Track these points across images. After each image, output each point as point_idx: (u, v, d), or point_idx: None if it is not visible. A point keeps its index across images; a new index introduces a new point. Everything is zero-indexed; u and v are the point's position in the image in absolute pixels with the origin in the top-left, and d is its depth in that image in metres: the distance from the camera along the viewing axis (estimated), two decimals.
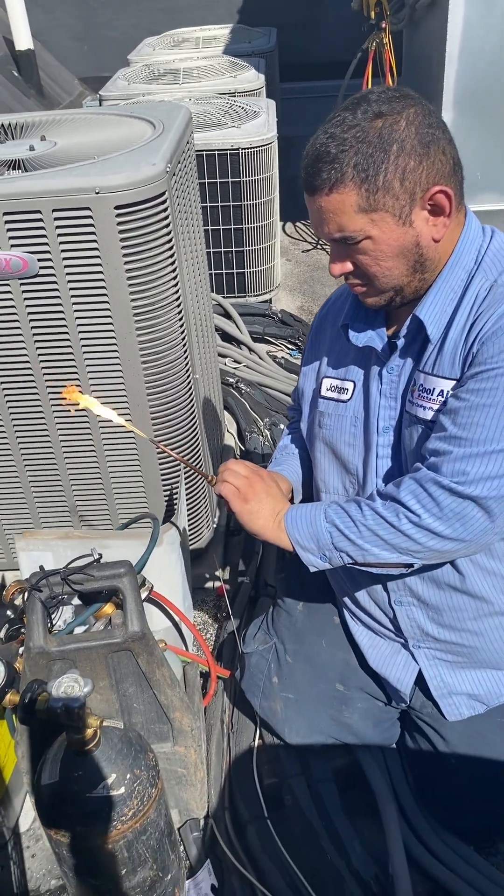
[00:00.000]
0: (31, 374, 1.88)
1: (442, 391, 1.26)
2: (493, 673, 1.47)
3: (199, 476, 1.43)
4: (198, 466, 1.43)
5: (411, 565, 1.33)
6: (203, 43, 5.46)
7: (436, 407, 1.27)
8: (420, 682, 1.51)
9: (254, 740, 1.76)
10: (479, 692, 1.47)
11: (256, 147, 3.31)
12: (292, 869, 1.52)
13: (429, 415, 1.29)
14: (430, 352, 1.29)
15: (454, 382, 1.25)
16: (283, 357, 3.35)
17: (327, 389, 1.49)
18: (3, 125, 2.18)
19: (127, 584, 1.34)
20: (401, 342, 1.34)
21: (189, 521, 2.16)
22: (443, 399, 1.26)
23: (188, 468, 1.44)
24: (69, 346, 1.83)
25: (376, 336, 1.39)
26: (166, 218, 1.75)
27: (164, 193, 1.72)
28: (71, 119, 2.24)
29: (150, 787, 1.29)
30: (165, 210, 1.74)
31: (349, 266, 1.27)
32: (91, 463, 2.03)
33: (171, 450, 1.69)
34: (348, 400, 1.44)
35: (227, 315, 3.44)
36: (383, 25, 3.78)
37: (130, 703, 1.44)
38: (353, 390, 1.44)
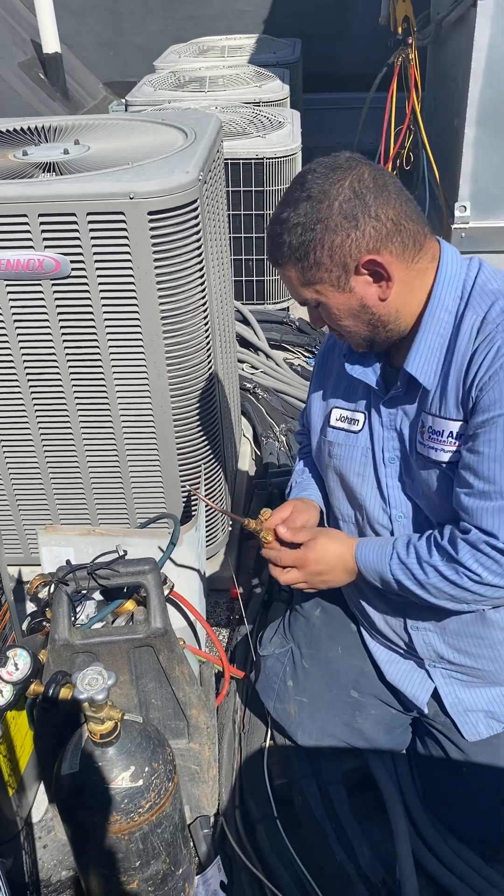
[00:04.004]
0: (59, 373, 1.91)
1: (451, 432, 1.30)
2: None
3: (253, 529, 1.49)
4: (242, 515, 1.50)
5: None
6: (228, 52, 5.51)
7: (447, 448, 1.31)
8: (436, 696, 1.53)
9: (265, 741, 1.78)
10: (495, 709, 1.50)
11: (280, 157, 3.35)
12: (300, 869, 1.54)
13: (443, 457, 1.32)
14: (433, 395, 1.32)
15: (461, 423, 1.29)
16: (299, 365, 3.38)
17: (337, 420, 1.52)
18: (36, 128, 2.22)
19: (151, 581, 1.37)
20: (398, 391, 1.38)
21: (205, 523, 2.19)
22: (453, 440, 1.30)
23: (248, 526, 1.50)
24: (97, 347, 1.86)
25: (370, 371, 1.43)
26: (197, 225, 1.78)
27: (195, 201, 1.76)
28: (103, 124, 2.28)
29: (167, 781, 1.32)
30: (196, 217, 1.77)
31: (322, 322, 1.37)
32: (112, 462, 2.06)
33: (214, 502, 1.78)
34: (359, 431, 1.48)
35: (246, 321, 3.48)
36: (410, 41, 3.82)
37: (149, 698, 1.47)
38: (364, 422, 1.48)
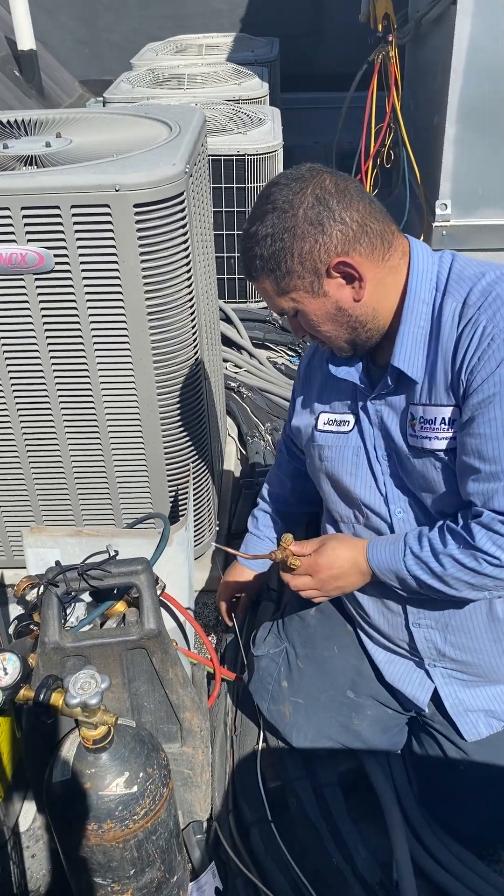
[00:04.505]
0: (42, 370, 1.87)
1: (444, 418, 1.31)
2: None
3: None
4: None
5: None
6: (206, 50, 5.48)
7: (442, 435, 1.31)
8: (435, 697, 1.51)
9: (257, 743, 1.75)
10: (495, 707, 1.48)
11: (262, 154, 3.32)
12: (296, 872, 1.51)
13: (438, 445, 1.32)
14: (421, 386, 1.33)
15: (453, 408, 1.29)
16: (283, 363, 3.36)
17: (325, 423, 1.53)
18: (17, 121, 2.17)
19: (144, 582, 1.34)
20: (387, 388, 1.38)
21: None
22: (447, 426, 1.31)
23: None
24: (81, 344, 1.82)
25: (353, 371, 1.44)
26: (184, 218, 1.75)
27: (182, 193, 1.72)
28: (85, 118, 2.24)
29: (161, 787, 1.29)
30: (183, 210, 1.74)
31: (302, 331, 1.39)
32: (97, 461, 2.02)
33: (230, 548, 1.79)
34: (349, 431, 1.48)
35: (229, 320, 3.44)
36: (390, 39, 3.82)
37: (141, 701, 1.43)
38: (353, 422, 1.48)
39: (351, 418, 1.48)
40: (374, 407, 1.43)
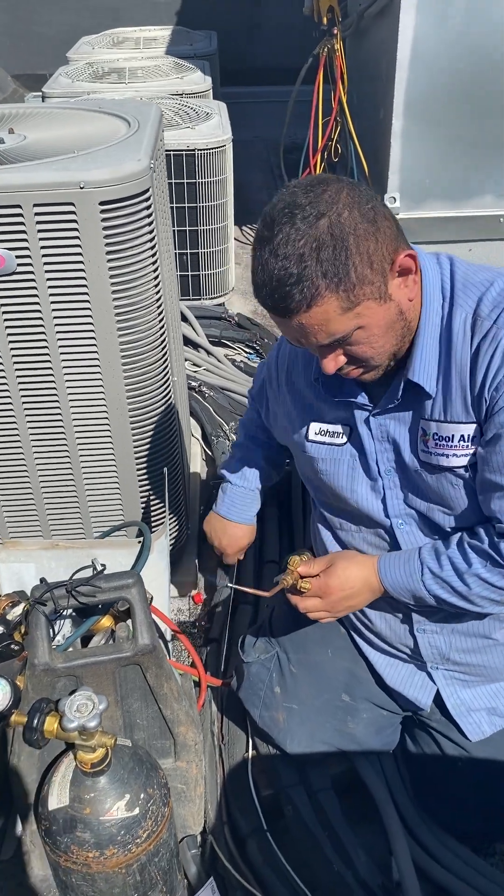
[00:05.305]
0: (4, 376, 1.79)
1: (463, 436, 1.25)
2: None
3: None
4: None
5: None
6: (144, 43, 5.38)
7: (460, 453, 1.26)
8: (435, 695, 1.50)
9: (247, 751, 1.71)
10: (496, 704, 1.47)
11: (213, 148, 3.27)
12: (296, 882, 1.48)
13: (456, 462, 1.27)
14: (434, 401, 1.27)
15: (474, 426, 1.24)
16: (241, 361, 3.32)
17: (316, 434, 1.44)
18: None
19: (136, 596, 1.28)
20: (393, 403, 1.31)
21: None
22: (466, 443, 1.25)
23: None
24: (46, 348, 1.75)
25: (354, 388, 1.35)
26: (150, 215, 1.70)
27: (148, 190, 1.67)
28: (36, 112, 2.15)
29: (163, 807, 1.24)
30: (150, 207, 1.69)
31: (343, 359, 1.22)
32: (65, 469, 1.95)
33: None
34: (343, 444, 1.42)
35: (184, 318, 3.39)
36: (335, 31, 3.80)
37: (134, 718, 1.38)
38: (347, 435, 1.41)
39: (342, 430, 1.41)
40: (377, 421, 1.35)
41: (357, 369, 1.25)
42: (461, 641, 1.44)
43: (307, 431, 1.45)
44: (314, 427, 1.44)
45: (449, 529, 1.35)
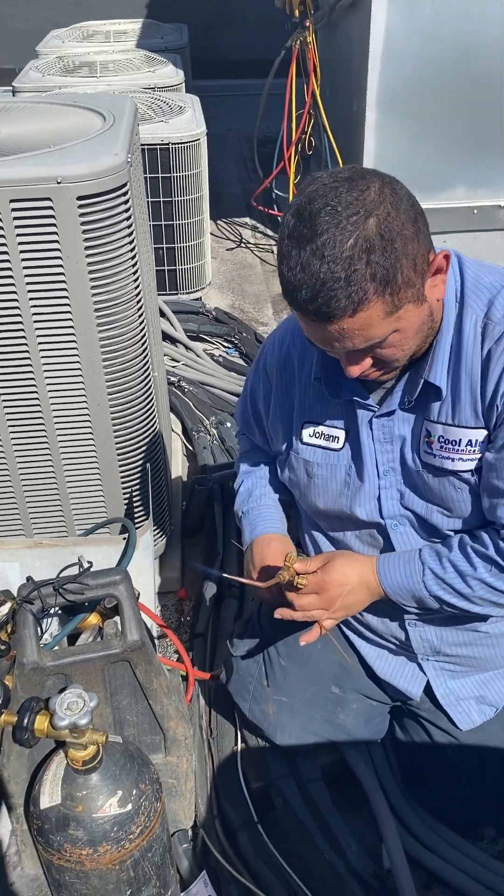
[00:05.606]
0: None
1: (471, 440, 1.23)
2: (497, 672, 1.49)
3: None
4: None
5: None
6: (114, 37, 5.34)
7: (467, 457, 1.24)
8: (426, 687, 1.51)
9: (235, 744, 1.72)
10: (485, 693, 1.48)
11: (187, 142, 3.26)
12: (288, 873, 1.49)
13: (461, 466, 1.25)
14: (443, 403, 1.25)
15: (483, 432, 1.23)
16: (220, 355, 3.31)
17: (311, 436, 1.40)
18: None
19: (124, 592, 1.28)
20: (409, 403, 1.28)
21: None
22: (473, 448, 1.23)
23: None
24: (25, 346, 1.73)
25: (357, 388, 1.32)
26: (129, 210, 1.69)
27: (126, 184, 1.66)
28: (7, 107, 2.13)
29: (155, 802, 1.24)
30: (128, 202, 1.68)
31: (368, 363, 1.17)
32: (46, 467, 1.93)
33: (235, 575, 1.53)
34: (340, 448, 1.38)
35: (161, 312, 3.37)
36: (307, 24, 3.80)
37: (123, 715, 1.38)
38: (344, 438, 1.37)
39: (339, 434, 1.37)
40: (379, 423, 1.32)
41: (377, 371, 1.21)
42: (452, 635, 1.44)
43: (301, 434, 1.42)
44: (308, 429, 1.40)
45: (446, 531, 1.34)
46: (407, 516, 1.37)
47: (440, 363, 1.22)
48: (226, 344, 3.41)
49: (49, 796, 1.19)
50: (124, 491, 2.01)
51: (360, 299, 1.03)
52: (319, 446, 1.40)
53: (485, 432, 1.23)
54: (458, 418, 1.24)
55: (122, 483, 1.99)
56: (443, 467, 1.27)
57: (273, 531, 1.52)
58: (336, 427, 1.38)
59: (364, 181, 1.04)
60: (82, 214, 1.60)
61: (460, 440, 1.24)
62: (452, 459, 1.26)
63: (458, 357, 1.21)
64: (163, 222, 3.38)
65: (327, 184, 1.05)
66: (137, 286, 1.79)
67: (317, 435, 1.39)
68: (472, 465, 1.25)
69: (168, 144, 3.24)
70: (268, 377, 1.50)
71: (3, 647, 1.36)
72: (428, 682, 1.49)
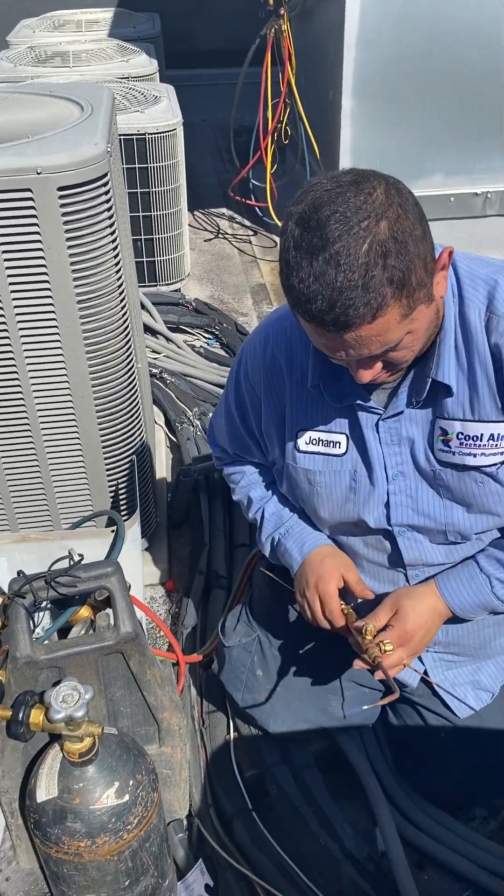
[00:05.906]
0: None
1: (493, 434, 1.22)
2: (493, 659, 1.51)
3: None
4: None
5: None
6: (86, 26, 5.28)
7: (490, 451, 1.23)
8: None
9: (228, 733, 1.72)
10: (479, 677, 1.49)
11: (164, 132, 3.24)
12: (284, 858, 1.50)
13: (485, 461, 1.23)
14: (458, 399, 1.23)
15: None
16: (201, 346, 3.30)
17: (308, 443, 1.35)
18: None
19: (116, 584, 1.27)
20: (418, 403, 1.25)
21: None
22: (496, 441, 1.22)
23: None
24: (7, 339, 1.71)
25: (359, 391, 1.27)
26: (109, 200, 1.67)
27: (107, 174, 1.65)
28: None
29: (151, 792, 1.24)
30: (109, 192, 1.66)
31: (380, 367, 1.14)
32: (31, 462, 1.92)
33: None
34: (343, 454, 1.33)
35: (141, 305, 3.35)
36: (282, 12, 3.78)
37: (117, 706, 1.38)
38: (346, 443, 1.33)
39: (340, 439, 1.33)
40: (386, 425, 1.28)
41: (386, 373, 1.18)
42: (454, 628, 1.44)
43: (297, 443, 1.37)
44: (305, 436, 1.36)
45: (456, 533, 1.33)
46: (415, 523, 1.34)
47: (447, 360, 1.20)
48: (206, 335, 3.40)
49: (46, 789, 1.19)
50: (110, 484, 2.00)
51: (378, 305, 1.01)
52: (319, 453, 1.35)
53: None
54: (478, 413, 1.22)
55: (108, 476, 1.98)
56: (464, 464, 1.25)
57: (322, 544, 1.45)
58: (335, 432, 1.33)
59: (369, 184, 1.02)
60: (63, 205, 1.58)
61: (482, 435, 1.22)
62: (475, 455, 1.24)
63: (470, 351, 1.20)
64: (140, 213, 3.35)
65: (331, 189, 1.02)
66: (120, 277, 1.78)
67: (314, 442, 1.35)
68: (496, 459, 1.23)
69: (144, 134, 3.22)
70: (252, 387, 1.44)
71: None
72: (425, 671, 1.49)
